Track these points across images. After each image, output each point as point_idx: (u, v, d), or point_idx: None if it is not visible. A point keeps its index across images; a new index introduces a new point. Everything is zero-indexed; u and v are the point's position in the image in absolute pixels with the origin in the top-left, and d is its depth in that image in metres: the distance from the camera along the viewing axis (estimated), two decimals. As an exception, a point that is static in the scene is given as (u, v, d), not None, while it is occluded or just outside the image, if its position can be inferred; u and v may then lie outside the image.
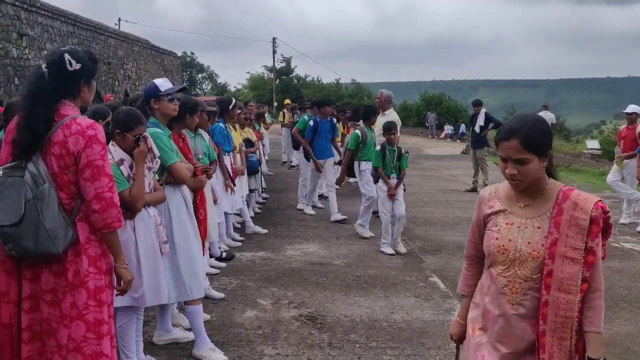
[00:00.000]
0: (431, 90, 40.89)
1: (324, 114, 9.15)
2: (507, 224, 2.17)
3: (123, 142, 3.37)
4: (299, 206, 9.57)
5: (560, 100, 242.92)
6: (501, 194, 2.25)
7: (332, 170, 9.21)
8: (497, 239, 2.16)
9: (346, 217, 8.69)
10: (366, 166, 7.86)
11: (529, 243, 2.09)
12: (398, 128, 9.46)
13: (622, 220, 8.76)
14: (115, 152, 3.34)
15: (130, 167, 3.35)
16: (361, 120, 8.34)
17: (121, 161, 3.33)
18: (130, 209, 3.31)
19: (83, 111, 2.82)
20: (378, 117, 8.52)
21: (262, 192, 10.50)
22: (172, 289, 3.82)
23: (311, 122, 9.16)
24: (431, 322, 4.76)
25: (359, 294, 5.42)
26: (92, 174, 2.54)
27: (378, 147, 7.26)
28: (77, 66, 2.63)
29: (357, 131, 8.05)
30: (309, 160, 9.24)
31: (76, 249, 2.58)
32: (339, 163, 9.38)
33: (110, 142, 3.36)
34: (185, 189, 4.04)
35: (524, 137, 2.00)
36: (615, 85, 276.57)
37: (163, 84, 3.93)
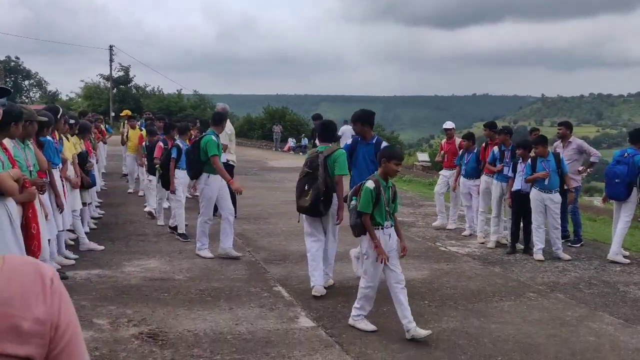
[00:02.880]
0: (275, 104, 41.49)
1: (362, 133, 6.22)
2: None
3: None
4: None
5: (395, 115, 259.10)
6: None
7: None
8: None
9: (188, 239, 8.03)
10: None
11: None
12: (234, 141, 9.33)
13: (448, 226, 9.55)
14: None
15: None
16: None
17: None
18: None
19: None
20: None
21: (96, 207, 9.97)
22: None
23: (348, 141, 6.46)
24: (275, 331, 4.81)
25: (203, 308, 5.32)
26: None
27: (371, 184, 4.71)
28: None
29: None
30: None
31: None
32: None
33: None
34: (11, 203, 3.70)
35: None
36: (442, 102, 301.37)
37: None
